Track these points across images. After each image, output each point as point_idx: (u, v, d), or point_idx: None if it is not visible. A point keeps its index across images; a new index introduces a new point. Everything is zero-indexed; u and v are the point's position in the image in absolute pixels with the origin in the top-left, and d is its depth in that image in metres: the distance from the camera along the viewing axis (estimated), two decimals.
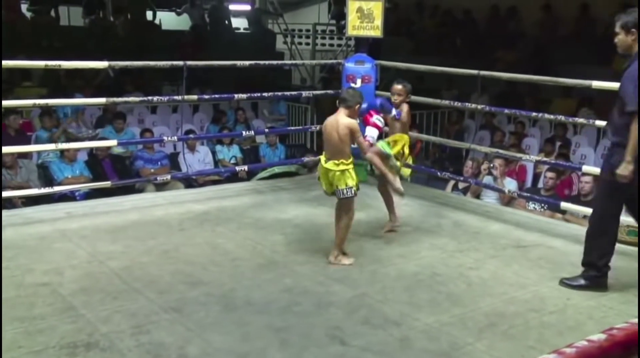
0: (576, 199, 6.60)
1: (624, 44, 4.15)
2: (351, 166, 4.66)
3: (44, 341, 3.45)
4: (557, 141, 9.46)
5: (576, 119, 6.70)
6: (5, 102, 6.78)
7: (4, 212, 5.80)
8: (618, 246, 5.23)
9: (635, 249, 5.14)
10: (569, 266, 4.75)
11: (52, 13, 13.94)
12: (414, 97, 7.45)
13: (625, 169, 4.04)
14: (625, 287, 4.44)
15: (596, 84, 5.42)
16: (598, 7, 12.49)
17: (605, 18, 12.22)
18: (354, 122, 4.64)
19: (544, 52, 12.38)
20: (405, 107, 5.36)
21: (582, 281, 4.40)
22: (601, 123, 5.82)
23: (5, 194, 5.86)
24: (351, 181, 4.63)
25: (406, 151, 5.33)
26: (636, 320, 1.14)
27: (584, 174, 6.60)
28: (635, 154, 4.02)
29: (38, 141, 8.54)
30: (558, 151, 8.81)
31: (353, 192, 4.65)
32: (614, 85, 5.27)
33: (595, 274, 4.38)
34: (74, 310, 3.84)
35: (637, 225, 5.28)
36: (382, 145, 5.16)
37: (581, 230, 5.73)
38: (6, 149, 6.63)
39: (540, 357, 0.96)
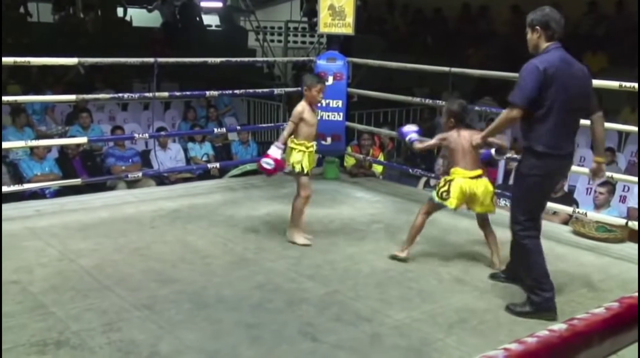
0: None
1: (531, 42, 3.96)
2: (299, 147, 4.97)
3: (14, 339, 3.41)
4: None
5: None
6: None
7: None
8: (587, 242, 5.33)
9: (605, 245, 5.23)
10: None
11: (22, 9, 13.77)
12: (385, 94, 7.53)
13: (474, 140, 4.40)
14: (594, 282, 4.52)
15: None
16: (567, 6, 12.65)
17: (574, 17, 12.42)
18: (297, 107, 5.01)
19: (514, 50, 12.50)
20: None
21: (527, 308, 3.99)
22: None
23: None
24: (295, 160, 4.97)
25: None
26: (596, 310, 1.17)
27: None
28: (488, 134, 4.28)
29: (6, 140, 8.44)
30: None
31: (297, 170, 4.97)
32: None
33: (535, 297, 3.96)
34: (44, 308, 3.81)
35: (605, 222, 5.38)
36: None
37: (550, 226, 5.84)
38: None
39: (502, 346, 0.98)
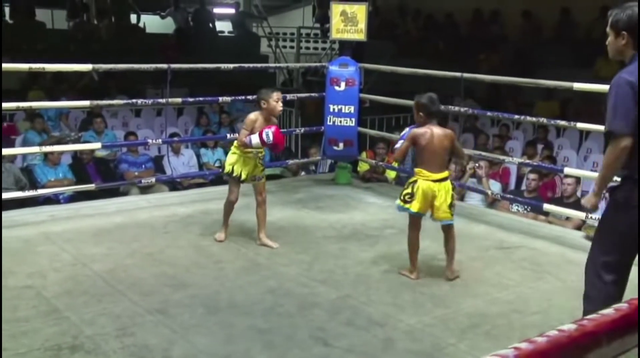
0: (559, 201, 6.66)
1: (614, 48, 3.27)
2: (236, 150, 5.10)
3: (28, 343, 3.44)
4: (539, 143, 9.55)
5: (558, 121, 6.75)
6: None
7: None
8: None
9: None
10: (551, 267, 4.80)
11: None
12: (394, 100, 7.53)
13: (587, 201, 3.43)
14: None
15: (577, 86, 5.48)
16: (578, 11, 12.63)
17: (585, 22, 12.39)
18: (250, 116, 5.11)
19: (525, 55, 12.50)
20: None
21: None
22: (583, 126, 5.89)
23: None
24: (229, 161, 5.13)
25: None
26: (605, 311, 1.18)
27: (567, 176, 6.67)
28: (603, 185, 3.27)
29: (27, 143, 8.52)
30: (542, 154, 8.88)
31: (226, 170, 5.14)
32: (595, 87, 5.36)
33: None
34: (58, 312, 3.84)
35: None
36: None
37: (563, 232, 5.84)
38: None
39: (512, 345, 0.99)
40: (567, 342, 0.97)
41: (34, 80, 10.91)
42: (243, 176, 5.08)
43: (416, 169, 4.44)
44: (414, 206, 4.38)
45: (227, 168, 5.10)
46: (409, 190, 4.41)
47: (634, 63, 3.16)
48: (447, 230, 4.52)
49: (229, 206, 5.22)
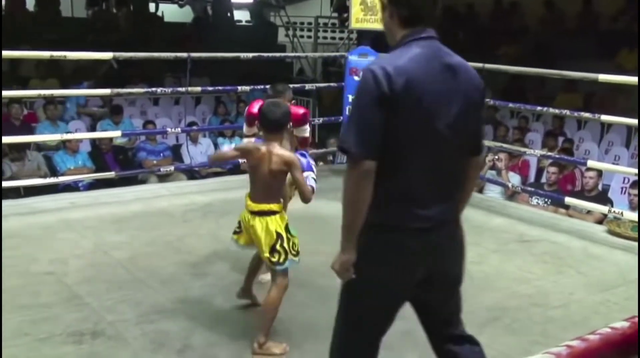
0: (580, 195, 6.60)
1: (385, 26, 2.36)
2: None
3: (50, 329, 3.46)
4: (558, 135, 9.47)
5: (581, 113, 6.69)
6: (10, 93, 6.79)
7: (9, 202, 5.82)
8: (622, 241, 5.26)
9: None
10: (573, 261, 4.76)
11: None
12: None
13: (337, 263, 2.44)
14: (629, 283, 4.45)
15: (603, 77, 5.42)
16: (601, 1, 12.48)
17: (608, 12, 12.24)
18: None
19: (547, 47, 12.38)
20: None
21: None
22: (606, 118, 5.83)
23: (11, 183, 5.89)
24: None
25: None
26: None
27: (588, 169, 6.61)
28: (353, 229, 2.33)
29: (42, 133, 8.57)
30: (561, 146, 8.81)
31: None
32: (620, 78, 5.30)
33: None
34: (79, 299, 3.85)
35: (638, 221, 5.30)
36: None
37: (585, 226, 5.79)
38: (9, 139, 6.66)
39: (564, 343, 0.97)
40: (620, 340, 0.95)
41: (52, 68, 10.95)
42: None
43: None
44: (241, 238, 3.55)
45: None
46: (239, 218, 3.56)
47: (402, 48, 2.25)
48: (274, 277, 3.45)
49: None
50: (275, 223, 3.39)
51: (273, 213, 3.40)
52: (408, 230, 2.26)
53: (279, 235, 3.37)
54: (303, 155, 3.67)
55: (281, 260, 3.38)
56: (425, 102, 2.16)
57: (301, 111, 4.17)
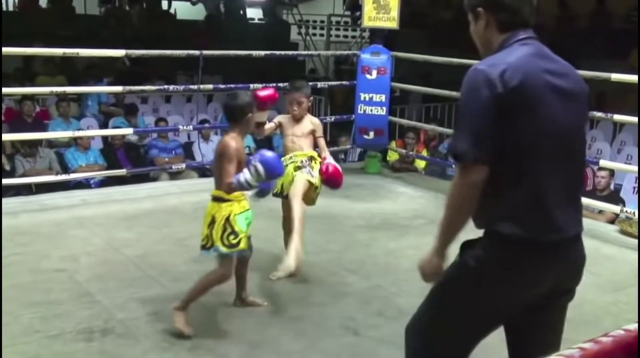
0: (592, 194, 6.56)
1: (477, 35, 2.29)
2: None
3: (61, 326, 3.47)
4: None
5: (593, 113, 6.63)
6: (22, 89, 6.84)
7: (20, 199, 5.86)
8: (634, 241, 5.22)
9: None
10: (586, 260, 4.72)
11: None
12: (428, 89, 7.48)
13: (427, 264, 2.31)
14: None
15: (615, 76, 5.38)
16: (614, 0, 12.41)
17: (621, 12, 12.16)
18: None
19: (559, 46, 12.29)
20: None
21: None
22: (618, 117, 5.79)
23: (23, 180, 5.92)
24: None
25: None
26: None
27: (600, 168, 6.57)
28: (449, 239, 2.25)
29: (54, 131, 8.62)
30: None
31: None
32: (633, 78, 5.26)
33: None
34: (90, 296, 3.87)
35: None
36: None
37: (597, 225, 5.74)
38: (21, 136, 6.71)
39: (577, 345, 0.96)
40: (634, 342, 0.94)
41: (64, 65, 11.01)
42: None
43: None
44: (244, 243, 3.53)
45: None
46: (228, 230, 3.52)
47: (505, 51, 2.15)
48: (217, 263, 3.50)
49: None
50: (216, 209, 3.45)
51: (220, 199, 3.46)
52: (541, 243, 2.08)
53: (212, 220, 3.43)
54: (260, 154, 3.47)
55: (208, 245, 3.43)
56: (545, 101, 2.05)
57: (263, 93, 4.09)
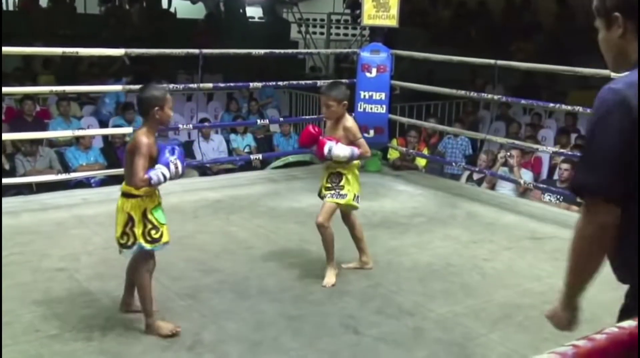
0: None
1: (609, 45, 1.98)
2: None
3: (60, 325, 3.48)
4: (571, 132, 9.42)
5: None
6: (22, 89, 6.84)
7: (21, 198, 5.86)
8: None
9: None
10: None
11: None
12: (428, 87, 7.47)
13: (554, 316, 2.09)
14: None
15: (615, 75, 5.37)
16: None
17: None
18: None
19: (559, 43, 12.30)
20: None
21: None
22: None
23: (24, 180, 5.92)
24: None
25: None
26: None
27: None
28: (575, 290, 2.03)
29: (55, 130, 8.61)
30: (574, 143, 8.75)
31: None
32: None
33: None
34: (90, 295, 3.87)
35: None
36: None
37: None
38: (21, 135, 6.71)
39: (570, 342, 0.96)
40: (628, 340, 0.94)
41: (74, 65, 11.02)
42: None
43: None
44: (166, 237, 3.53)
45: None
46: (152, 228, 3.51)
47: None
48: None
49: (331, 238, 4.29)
50: (130, 205, 3.38)
51: (130, 195, 3.39)
52: None
53: (130, 218, 3.36)
54: (172, 150, 3.48)
55: (129, 242, 3.39)
56: None
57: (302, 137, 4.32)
